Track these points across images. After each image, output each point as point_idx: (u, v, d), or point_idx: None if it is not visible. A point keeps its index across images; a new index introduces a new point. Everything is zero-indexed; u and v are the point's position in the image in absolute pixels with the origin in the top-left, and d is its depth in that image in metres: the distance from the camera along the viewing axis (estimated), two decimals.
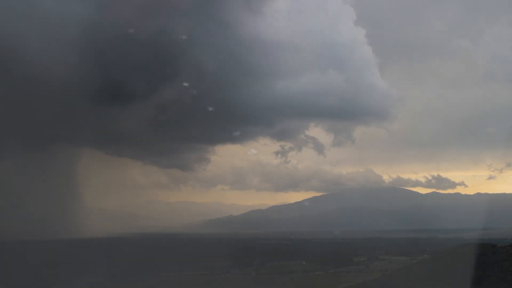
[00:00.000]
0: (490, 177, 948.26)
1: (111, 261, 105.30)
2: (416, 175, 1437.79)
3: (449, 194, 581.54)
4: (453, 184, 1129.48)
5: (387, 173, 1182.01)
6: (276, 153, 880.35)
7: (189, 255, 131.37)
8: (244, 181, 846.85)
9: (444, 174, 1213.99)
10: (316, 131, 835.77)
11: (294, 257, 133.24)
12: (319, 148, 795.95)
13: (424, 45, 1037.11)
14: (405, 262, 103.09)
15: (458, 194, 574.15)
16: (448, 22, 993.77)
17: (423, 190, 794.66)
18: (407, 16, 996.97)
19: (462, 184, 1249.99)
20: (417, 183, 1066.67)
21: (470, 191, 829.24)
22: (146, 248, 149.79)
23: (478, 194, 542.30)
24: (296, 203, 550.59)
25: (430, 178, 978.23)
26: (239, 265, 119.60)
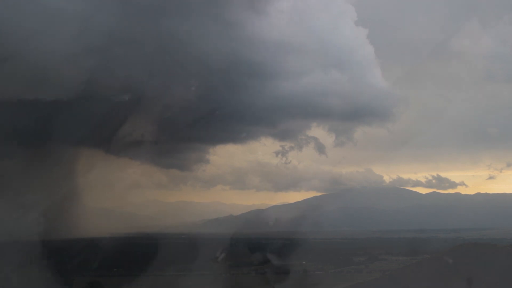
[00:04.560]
0: (490, 177, 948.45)
1: (110, 261, 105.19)
2: (416, 175, 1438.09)
3: (449, 194, 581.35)
4: (453, 184, 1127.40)
5: (387, 173, 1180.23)
6: (277, 153, 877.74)
7: (189, 255, 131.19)
8: (244, 181, 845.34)
9: (444, 174, 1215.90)
10: (318, 131, 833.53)
11: (294, 257, 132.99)
12: (320, 148, 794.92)
13: (426, 44, 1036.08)
14: (405, 262, 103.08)
15: (458, 194, 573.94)
16: (449, 22, 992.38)
17: (423, 190, 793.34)
18: (408, 16, 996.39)
19: (462, 184, 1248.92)
20: (417, 183, 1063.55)
21: (470, 191, 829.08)
22: (146, 248, 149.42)
23: (478, 194, 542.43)
24: (296, 203, 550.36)
25: (430, 178, 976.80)
26: (239, 265, 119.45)
